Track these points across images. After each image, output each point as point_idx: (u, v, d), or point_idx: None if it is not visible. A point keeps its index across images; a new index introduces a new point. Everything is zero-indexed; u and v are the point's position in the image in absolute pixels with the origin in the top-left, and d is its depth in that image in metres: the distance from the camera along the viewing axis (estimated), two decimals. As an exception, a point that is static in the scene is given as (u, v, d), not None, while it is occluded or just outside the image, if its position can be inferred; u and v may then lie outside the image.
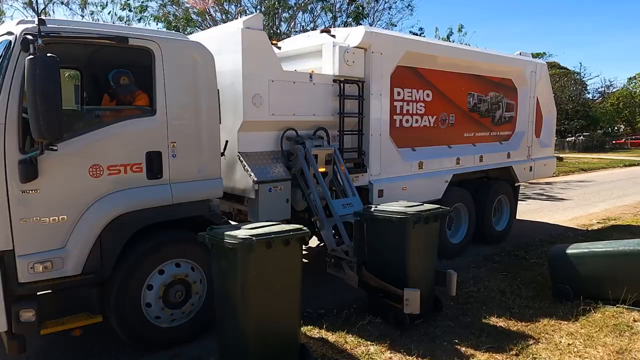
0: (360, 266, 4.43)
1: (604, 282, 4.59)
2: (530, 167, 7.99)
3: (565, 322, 4.29)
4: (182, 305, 3.95)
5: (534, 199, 12.47)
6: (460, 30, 20.18)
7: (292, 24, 15.65)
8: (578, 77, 40.55)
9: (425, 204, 4.53)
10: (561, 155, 24.85)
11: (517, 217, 8.32)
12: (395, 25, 16.57)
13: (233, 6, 15.10)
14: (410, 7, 16.37)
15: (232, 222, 4.72)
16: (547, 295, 4.90)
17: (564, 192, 13.70)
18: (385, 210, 4.34)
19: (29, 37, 3.10)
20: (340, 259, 4.62)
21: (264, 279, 3.18)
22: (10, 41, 3.25)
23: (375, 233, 4.42)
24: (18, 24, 3.34)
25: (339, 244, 4.74)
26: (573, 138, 36.57)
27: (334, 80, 5.15)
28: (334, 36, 5.49)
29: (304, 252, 3.63)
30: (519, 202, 8.45)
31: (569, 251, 4.81)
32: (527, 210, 10.32)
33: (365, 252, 4.49)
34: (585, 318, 4.35)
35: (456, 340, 3.96)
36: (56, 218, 3.38)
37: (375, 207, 4.51)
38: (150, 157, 3.74)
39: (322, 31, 5.77)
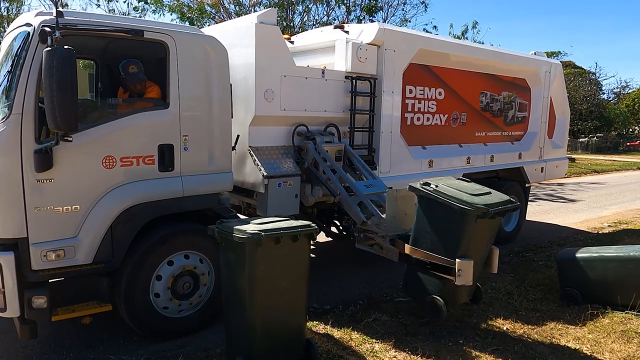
0: (398, 240, 4.18)
1: (613, 287, 4.56)
2: (542, 168, 7.92)
3: (573, 327, 4.27)
4: (190, 296, 4.00)
5: (545, 199, 12.36)
6: (474, 27, 19.99)
7: (306, 17, 15.61)
8: (593, 77, 39.96)
9: (492, 191, 4.05)
10: (573, 156, 24.57)
11: (527, 218, 8.26)
12: (409, 22, 16.45)
13: (247, -2, 15.07)
14: (424, 4, 16.21)
15: (241, 216, 4.77)
16: (554, 299, 4.88)
17: (575, 193, 13.56)
18: (447, 195, 3.77)
19: (47, 29, 3.13)
20: (373, 233, 4.43)
21: (271, 274, 3.21)
22: (29, 32, 3.30)
23: (428, 213, 3.94)
24: (36, 15, 3.38)
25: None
26: (586, 139, 36.10)
27: (346, 77, 5.14)
28: (347, 32, 5.47)
29: (311, 247, 3.65)
30: (529, 202, 8.38)
31: (578, 255, 4.78)
32: (537, 211, 10.25)
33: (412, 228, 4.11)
34: (593, 323, 4.32)
35: (461, 341, 3.97)
36: (69, 207, 3.44)
37: (435, 186, 3.89)
38: (163, 149, 3.78)
39: (335, 27, 5.76)
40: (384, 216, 4.49)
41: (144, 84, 4.04)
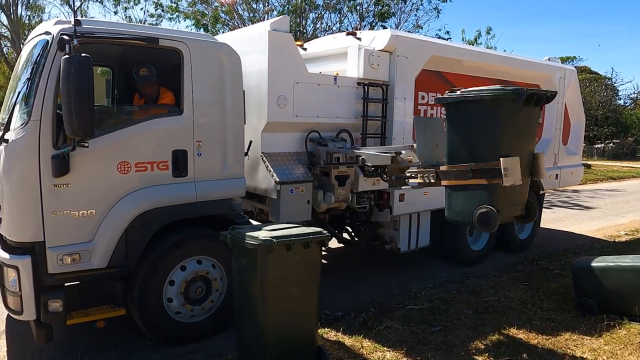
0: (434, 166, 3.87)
1: (630, 297, 4.46)
2: (557, 175, 7.80)
3: (588, 338, 4.19)
4: (203, 301, 4.02)
5: (560, 206, 12.19)
6: (488, 32, 19.92)
7: (319, 23, 15.70)
8: (609, 82, 39.39)
9: None
10: (589, 163, 24.20)
11: (542, 226, 8.16)
12: (422, 28, 16.45)
13: (260, 5, 15.24)
14: (437, 10, 16.20)
15: (254, 221, 4.79)
16: (570, 309, 4.80)
17: (591, 200, 13.35)
18: (475, 91, 3.55)
19: (65, 37, 3.21)
20: (404, 168, 4.18)
21: (283, 281, 3.22)
22: (48, 41, 3.37)
23: (460, 119, 3.67)
24: (55, 24, 3.45)
25: None
26: (602, 145, 35.53)
27: (358, 83, 5.15)
28: (359, 39, 5.49)
29: (322, 253, 3.64)
30: (543, 209, 8.27)
31: (594, 264, 4.70)
32: (552, 219, 10.11)
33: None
34: (609, 334, 4.24)
35: (474, 351, 3.92)
36: (85, 212, 3.50)
37: (461, 90, 3.68)
38: (177, 155, 3.83)
39: (347, 34, 5.77)
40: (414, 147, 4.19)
41: (156, 87, 4.09)
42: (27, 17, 17.91)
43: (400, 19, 16.01)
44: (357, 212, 5.50)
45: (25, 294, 3.36)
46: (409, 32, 15.60)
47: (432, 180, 3.84)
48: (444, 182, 3.79)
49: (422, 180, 3.94)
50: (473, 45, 19.93)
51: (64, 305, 3.46)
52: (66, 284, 3.58)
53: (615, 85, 39.71)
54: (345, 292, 5.36)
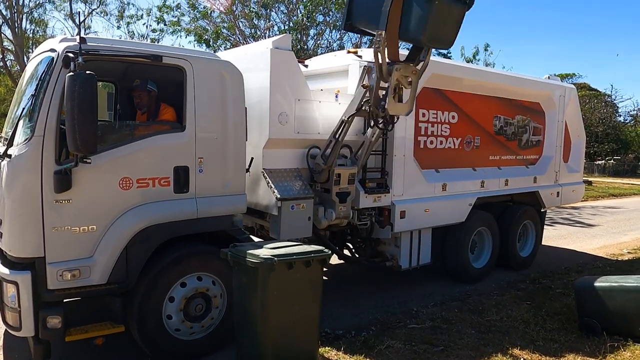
0: None
1: (634, 318, 4.41)
2: (558, 193, 7.81)
3: (592, 359, 4.14)
4: (202, 318, 3.99)
5: (561, 224, 12.16)
6: (486, 49, 20.10)
7: (320, 40, 15.87)
8: (609, 99, 39.62)
9: None
10: (590, 179, 24.21)
11: (543, 243, 8.12)
12: (422, 44, 16.58)
13: (262, 21, 15.43)
14: (437, 27, 16.34)
15: (254, 238, 4.78)
16: (573, 329, 4.75)
17: (592, 218, 13.31)
18: None
19: (70, 54, 3.24)
20: None
21: (283, 299, 3.20)
22: (53, 58, 3.41)
23: None
24: (61, 41, 3.50)
25: None
26: (603, 162, 35.59)
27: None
28: (360, 57, 5.53)
29: (323, 270, 3.62)
30: (545, 226, 8.25)
31: (597, 284, 4.66)
32: (554, 236, 10.07)
33: None
34: (613, 356, 4.18)
35: (476, 371, 3.87)
36: (86, 228, 3.49)
37: None
38: (178, 171, 3.83)
39: (349, 51, 5.83)
40: None
41: (151, 99, 4.12)
42: (31, 31, 18.16)
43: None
44: (358, 228, 5.49)
45: (24, 310, 3.33)
46: (408, 48, 15.76)
47: None
48: None
49: None
50: (471, 61, 20.10)
51: (63, 321, 3.43)
52: (65, 300, 3.55)
53: (615, 102, 39.94)
54: (345, 309, 5.31)
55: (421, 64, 4.45)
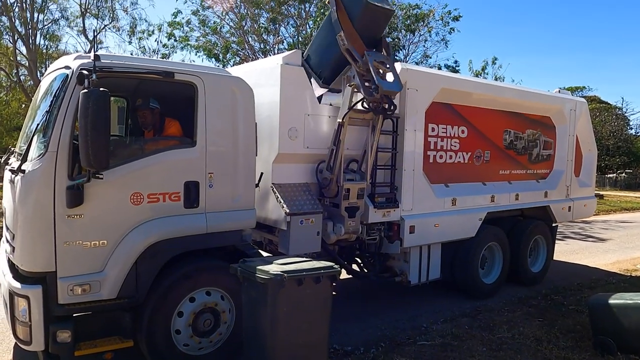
0: None
1: (649, 336, 4.33)
2: (569, 207, 7.73)
3: (607, 378, 4.05)
4: (211, 334, 3.98)
5: (573, 238, 12.00)
6: (494, 62, 20.14)
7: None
8: (620, 111, 39.33)
9: None
10: (602, 193, 23.93)
11: (555, 258, 8.00)
12: (430, 57, 16.67)
13: (271, 36, 15.60)
14: (444, 41, 16.45)
15: (263, 252, 4.78)
16: (587, 347, 4.65)
17: (604, 232, 13.13)
18: None
19: (85, 72, 3.30)
20: None
21: (293, 315, 3.18)
22: (67, 75, 3.47)
23: None
24: (75, 59, 3.56)
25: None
26: (614, 175, 35.22)
27: (369, 115, 5.19)
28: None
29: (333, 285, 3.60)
30: (556, 241, 8.14)
31: (611, 301, 4.57)
32: (565, 251, 9.93)
33: None
34: (628, 374, 4.09)
35: (488, 390, 3.80)
36: (97, 242, 3.51)
37: None
38: (189, 186, 3.86)
39: None
40: None
41: (153, 116, 4.17)
42: (45, 47, 18.54)
43: (408, 50, 16.27)
44: (366, 243, 5.46)
45: (35, 324, 3.35)
46: (417, 63, 15.85)
47: None
48: None
49: None
50: (480, 75, 20.13)
51: (73, 336, 3.44)
52: (75, 315, 3.56)
53: (626, 114, 39.64)
54: (354, 325, 5.26)
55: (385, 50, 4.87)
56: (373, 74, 4.56)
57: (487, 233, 6.40)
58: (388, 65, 4.78)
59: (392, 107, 4.88)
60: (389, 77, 4.80)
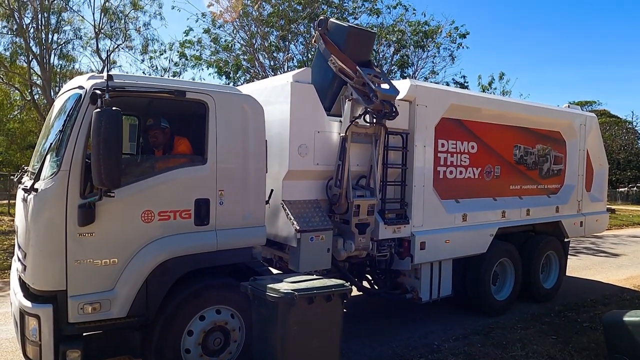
0: None
1: (668, 355, 4.22)
2: (581, 222, 7.63)
3: (625, 399, 3.94)
4: (221, 352, 3.94)
5: (585, 253, 11.82)
6: (501, 77, 20.15)
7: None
8: (630, 125, 39.06)
9: None
10: (613, 207, 23.64)
11: (567, 274, 7.88)
12: (438, 74, 16.72)
13: (281, 54, 15.76)
14: (452, 57, 16.52)
15: (273, 269, 4.75)
16: (603, 366, 4.55)
17: (616, 247, 12.92)
18: None
19: (98, 91, 3.34)
20: None
21: (304, 333, 3.15)
22: (81, 95, 3.52)
23: None
24: (89, 79, 3.62)
25: None
26: (626, 189, 34.81)
27: (379, 132, 5.20)
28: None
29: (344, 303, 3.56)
30: (568, 257, 8.02)
31: (626, 319, 4.47)
32: (578, 267, 9.78)
33: None
34: (648, 396, 3.98)
35: (503, 411, 3.71)
36: (108, 261, 3.52)
37: None
38: (199, 204, 3.86)
39: None
40: None
41: (165, 136, 4.20)
42: (59, 66, 18.86)
43: (417, 65, 16.34)
44: (377, 260, 5.42)
45: (45, 344, 3.33)
46: (425, 78, 15.91)
47: None
48: None
49: None
50: (487, 90, 20.13)
51: (82, 355, 3.42)
52: (84, 334, 3.55)
53: (636, 128, 39.36)
54: (365, 342, 5.19)
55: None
56: (369, 83, 4.71)
57: (499, 249, 6.33)
58: (381, 78, 4.95)
59: (393, 111, 4.89)
60: (385, 86, 4.92)
